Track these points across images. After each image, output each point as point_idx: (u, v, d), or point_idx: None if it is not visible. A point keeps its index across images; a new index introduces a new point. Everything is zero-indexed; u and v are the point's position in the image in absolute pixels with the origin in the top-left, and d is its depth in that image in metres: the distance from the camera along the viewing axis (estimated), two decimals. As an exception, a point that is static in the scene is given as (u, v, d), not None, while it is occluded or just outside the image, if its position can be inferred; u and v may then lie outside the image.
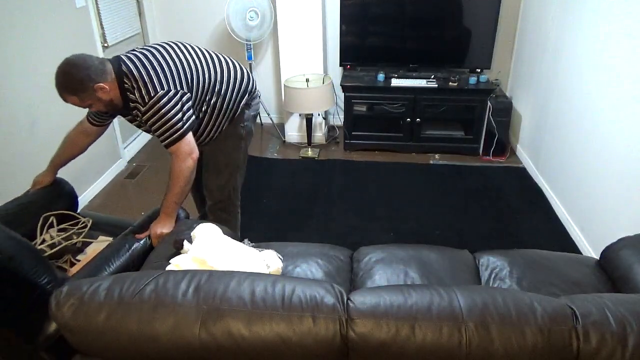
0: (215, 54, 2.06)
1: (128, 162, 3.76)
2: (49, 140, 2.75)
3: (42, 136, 2.73)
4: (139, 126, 2.01)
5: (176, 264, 1.48)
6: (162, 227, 1.85)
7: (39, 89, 2.71)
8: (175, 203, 1.88)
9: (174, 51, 1.90)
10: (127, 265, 1.71)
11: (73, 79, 1.70)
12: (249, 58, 4.05)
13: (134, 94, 1.78)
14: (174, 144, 1.82)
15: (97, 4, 3.29)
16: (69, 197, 2.18)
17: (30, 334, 1.45)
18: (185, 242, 1.60)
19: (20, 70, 2.56)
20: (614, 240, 1.73)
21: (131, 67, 1.78)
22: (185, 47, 1.96)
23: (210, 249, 1.53)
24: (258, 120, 4.34)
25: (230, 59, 2.11)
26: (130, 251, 1.75)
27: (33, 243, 1.85)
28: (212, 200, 2.30)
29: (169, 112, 1.78)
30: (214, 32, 4.18)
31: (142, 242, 1.82)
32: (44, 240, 1.88)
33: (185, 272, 1.13)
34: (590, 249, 2.58)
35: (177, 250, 1.61)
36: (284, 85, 3.72)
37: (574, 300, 1.08)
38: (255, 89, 2.19)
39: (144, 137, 4.09)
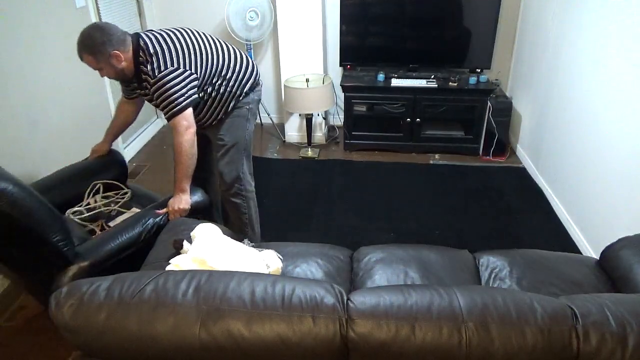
0: (224, 43, 2.24)
1: (128, 162, 3.76)
2: (49, 139, 2.76)
3: (43, 136, 2.72)
4: (144, 95, 2.17)
5: (176, 264, 1.48)
6: (179, 203, 2.04)
7: (40, 89, 2.71)
8: (185, 177, 2.05)
9: (187, 35, 2.09)
10: (137, 238, 1.90)
11: (95, 40, 1.90)
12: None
13: (146, 67, 1.97)
14: (174, 117, 2.00)
15: (97, 4, 3.29)
16: (119, 166, 2.45)
17: (43, 281, 1.72)
18: (185, 242, 1.60)
19: (20, 70, 2.56)
20: (614, 240, 1.73)
21: (148, 43, 1.97)
22: (198, 33, 2.15)
23: (210, 249, 1.53)
24: (258, 120, 4.34)
25: (236, 49, 2.28)
26: (142, 226, 1.93)
27: (79, 205, 2.19)
28: (224, 186, 2.41)
29: (173, 87, 1.97)
30: (214, 32, 4.18)
31: (157, 218, 1.98)
32: (88, 204, 2.21)
33: (185, 272, 1.13)
34: (590, 249, 2.58)
35: (177, 250, 1.61)
36: (284, 85, 3.72)
37: (574, 300, 1.08)
38: (259, 77, 2.36)
39: (144, 137, 4.09)
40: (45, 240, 1.62)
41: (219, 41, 2.21)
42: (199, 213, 2.14)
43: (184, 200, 2.05)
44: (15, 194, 1.52)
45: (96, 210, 2.18)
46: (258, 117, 4.33)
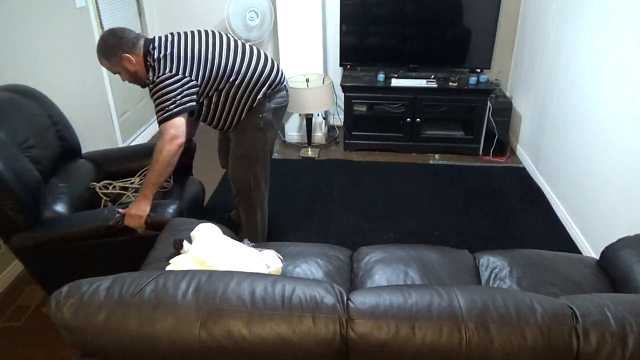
0: (242, 44, 2.18)
1: (128, 162, 3.76)
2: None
3: (42, 136, 2.72)
4: None
5: (176, 264, 1.48)
6: (136, 209, 1.95)
7: (39, 89, 2.70)
8: (152, 184, 1.98)
9: (199, 38, 2.07)
10: (86, 231, 1.95)
11: (106, 44, 1.98)
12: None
13: (149, 73, 1.99)
14: (163, 123, 1.97)
15: (97, 4, 3.29)
16: (185, 156, 2.36)
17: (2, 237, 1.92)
18: (185, 242, 1.60)
19: (20, 70, 2.56)
20: (614, 240, 1.73)
21: (156, 48, 1.99)
22: (213, 35, 2.12)
23: (210, 249, 1.53)
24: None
25: (259, 51, 2.22)
26: (100, 221, 1.96)
27: (122, 180, 2.35)
28: (235, 190, 2.41)
29: (167, 94, 1.95)
30: (214, 32, 4.18)
31: (111, 220, 1.96)
32: (132, 182, 2.35)
33: (185, 272, 1.13)
34: (590, 249, 2.58)
35: (177, 250, 1.61)
36: (284, 85, 3.72)
37: (574, 300, 1.08)
38: (281, 82, 2.27)
39: (143, 138, 4.09)
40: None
41: (235, 43, 2.14)
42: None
43: (142, 207, 1.95)
44: None
45: (122, 191, 2.28)
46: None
